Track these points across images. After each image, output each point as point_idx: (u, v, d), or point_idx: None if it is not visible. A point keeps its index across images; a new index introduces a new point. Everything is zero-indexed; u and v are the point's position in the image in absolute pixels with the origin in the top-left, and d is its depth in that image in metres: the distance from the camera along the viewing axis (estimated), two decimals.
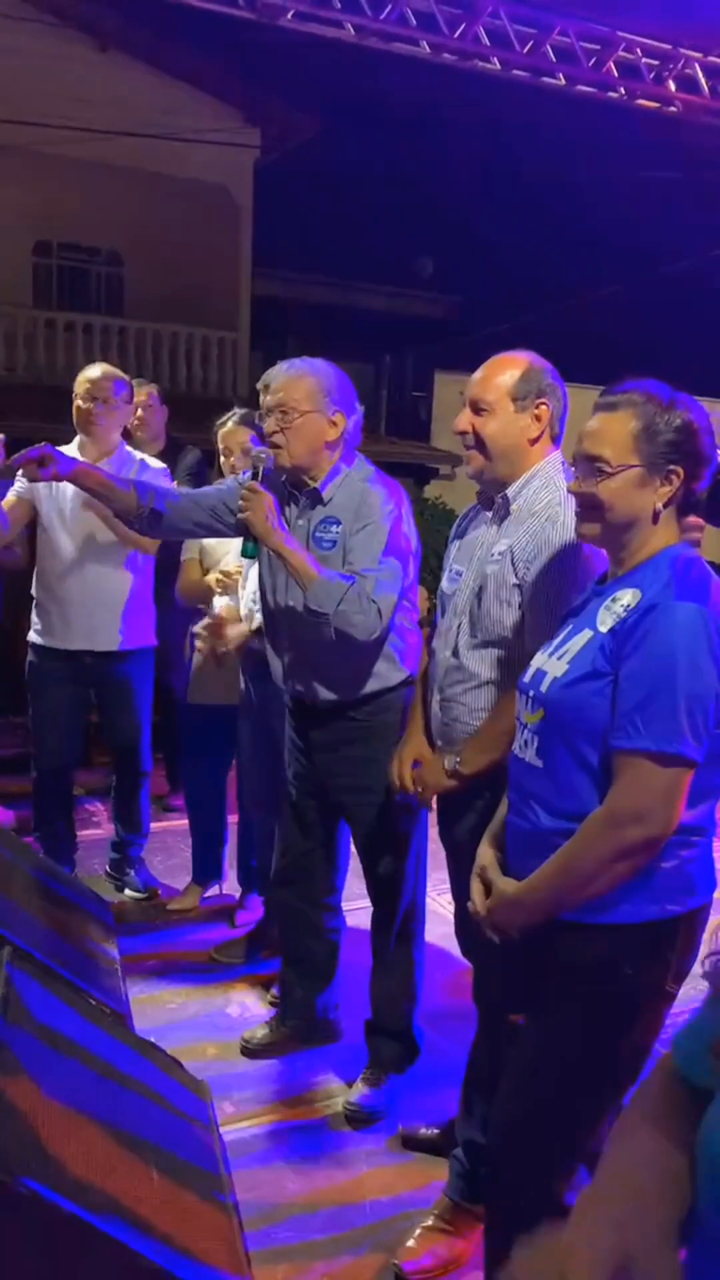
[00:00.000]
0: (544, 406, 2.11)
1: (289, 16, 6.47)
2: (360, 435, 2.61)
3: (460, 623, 2.20)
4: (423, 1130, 2.57)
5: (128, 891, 3.90)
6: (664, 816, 1.59)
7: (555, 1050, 1.74)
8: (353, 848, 2.83)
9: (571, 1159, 1.75)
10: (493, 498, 2.19)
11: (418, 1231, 2.22)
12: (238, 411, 3.49)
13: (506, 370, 2.13)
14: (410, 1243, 2.20)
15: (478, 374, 2.17)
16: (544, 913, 1.70)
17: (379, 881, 2.71)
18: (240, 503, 2.43)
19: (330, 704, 2.62)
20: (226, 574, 3.43)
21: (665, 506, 1.68)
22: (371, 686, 2.60)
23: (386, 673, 2.60)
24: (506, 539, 2.12)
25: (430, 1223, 2.24)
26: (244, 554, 2.59)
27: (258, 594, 3.08)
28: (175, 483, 4.27)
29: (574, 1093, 1.72)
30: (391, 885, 2.67)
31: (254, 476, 2.47)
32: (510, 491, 2.14)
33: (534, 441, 2.12)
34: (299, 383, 2.48)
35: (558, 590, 2.00)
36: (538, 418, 2.11)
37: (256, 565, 2.82)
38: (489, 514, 2.22)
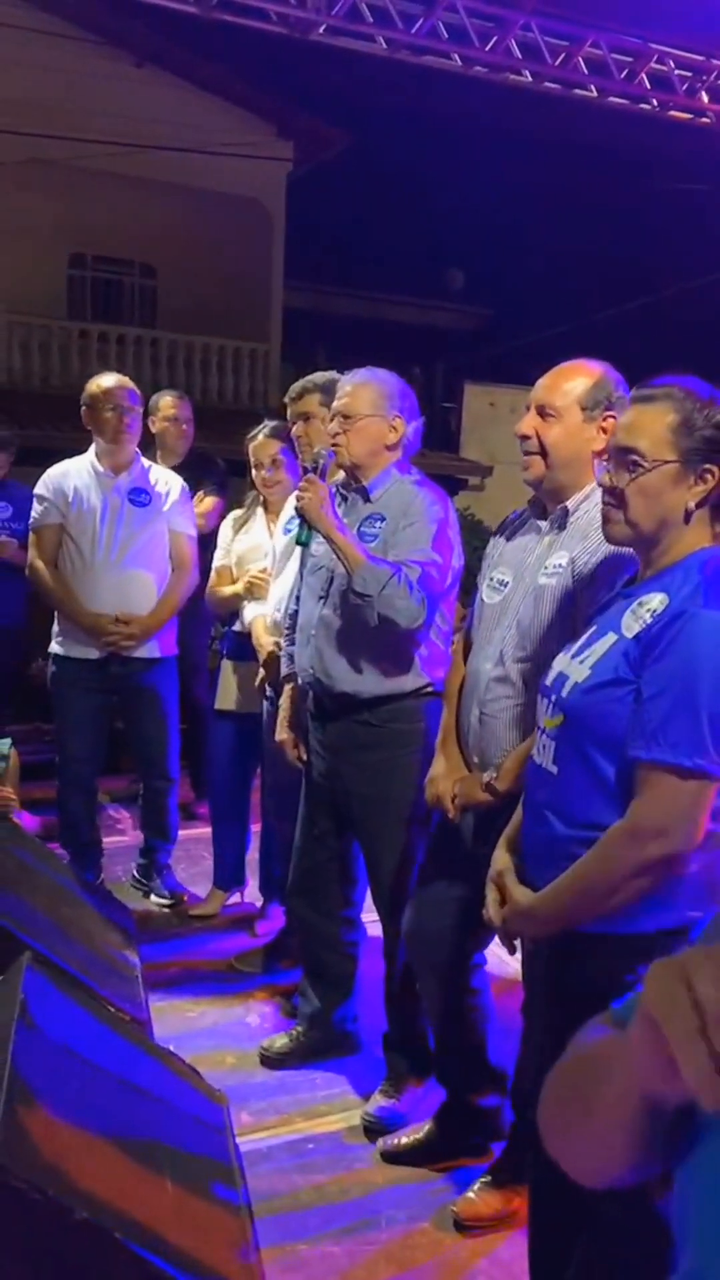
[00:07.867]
0: (611, 420, 2.00)
1: (321, 31, 6.52)
2: (420, 443, 2.72)
3: (508, 635, 2.14)
4: (403, 1140, 2.54)
5: (154, 898, 3.91)
6: (687, 831, 1.55)
7: None
8: None
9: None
10: (547, 506, 2.14)
11: (476, 1186, 2.32)
12: (269, 424, 3.53)
13: (578, 377, 2.06)
14: (470, 1194, 2.30)
15: (546, 379, 2.09)
16: (559, 924, 1.67)
17: (385, 894, 2.69)
18: (298, 491, 2.59)
19: (345, 697, 2.62)
20: (258, 577, 3.46)
21: (699, 507, 1.63)
22: (388, 687, 2.59)
23: (406, 676, 2.60)
24: (565, 550, 2.06)
25: (489, 1179, 2.32)
26: (297, 541, 2.69)
27: (283, 601, 3.10)
28: (200, 494, 4.31)
29: None
30: (398, 898, 2.65)
31: (314, 470, 2.62)
32: (570, 504, 2.08)
33: (598, 454, 2.03)
34: (362, 390, 2.62)
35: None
36: (604, 430, 2.03)
37: (295, 567, 2.89)
38: (541, 523, 2.16)
